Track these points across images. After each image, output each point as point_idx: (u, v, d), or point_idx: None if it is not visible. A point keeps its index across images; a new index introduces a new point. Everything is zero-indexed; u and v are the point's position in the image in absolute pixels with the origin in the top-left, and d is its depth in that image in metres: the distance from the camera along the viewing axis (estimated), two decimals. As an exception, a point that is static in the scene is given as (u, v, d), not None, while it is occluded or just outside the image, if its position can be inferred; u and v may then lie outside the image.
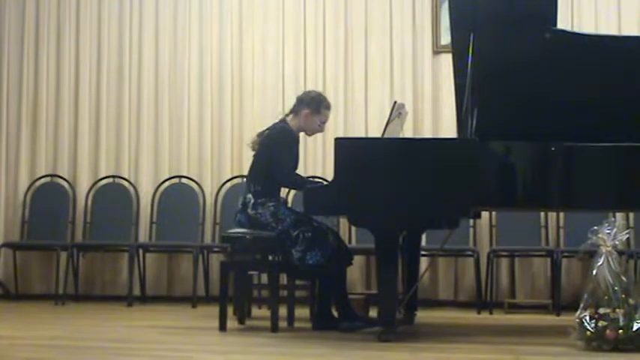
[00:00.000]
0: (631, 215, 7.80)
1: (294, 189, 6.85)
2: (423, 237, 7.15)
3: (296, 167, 6.47)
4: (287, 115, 6.48)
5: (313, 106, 6.39)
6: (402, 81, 8.40)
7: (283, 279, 6.64)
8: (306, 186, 6.08)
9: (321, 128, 6.49)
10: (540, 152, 5.56)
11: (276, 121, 6.51)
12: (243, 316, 6.55)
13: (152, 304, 8.17)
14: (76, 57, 8.87)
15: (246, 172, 6.79)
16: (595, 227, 5.26)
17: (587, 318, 5.14)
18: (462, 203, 5.61)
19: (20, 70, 8.90)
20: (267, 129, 6.46)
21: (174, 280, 8.60)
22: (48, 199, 8.68)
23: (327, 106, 6.45)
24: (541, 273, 8.11)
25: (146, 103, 8.75)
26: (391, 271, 5.57)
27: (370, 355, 5.07)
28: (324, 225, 6.30)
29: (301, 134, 6.55)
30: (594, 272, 5.22)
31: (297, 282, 6.72)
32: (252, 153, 6.47)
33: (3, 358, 4.87)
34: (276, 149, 6.26)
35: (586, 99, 5.72)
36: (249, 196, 6.25)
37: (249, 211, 6.22)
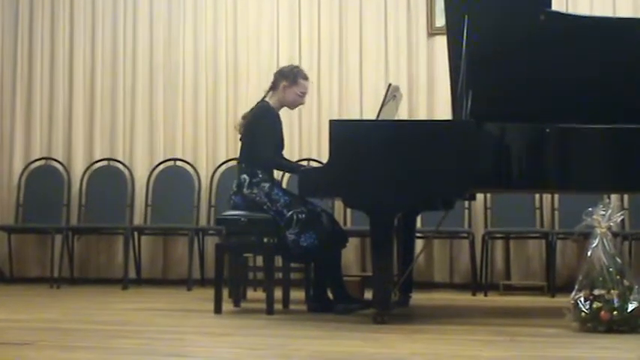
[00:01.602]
0: (626, 197, 7.80)
1: (280, 170, 6.87)
2: (418, 219, 7.15)
3: (282, 146, 6.49)
4: (267, 93, 6.49)
5: (290, 77, 6.41)
6: (396, 63, 8.39)
7: (278, 261, 6.65)
8: (298, 168, 6.12)
9: (301, 99, 6.50)
10: (535, 134, 5.56)
11: (258, 100, 6.52)
12: (238, 298, 6.56)
13: (147, 287, 8.19)
14: (70, 39, 8.85)
15: (241, 155, 6.79)
16: (590, 209, 5.27)
17: (582, 299, 5.15)
18: (457, 185, 5.62)
19: (14, 52, 8.89)
20: (250, 110, 6.47)
21: (170, 262, 8.60)
22: (43, 182, 8.68)
23: (304, 77, 6.47)
24: (536, 255, 8.12)
25: (141, 85, 8.74)
26: (386, 253, 5.57)
27: (365, 337, 5.08)
28: (318, 207, 6.30)
29: (288, 116, 6.57)
30: (589, 254, 5.23)
31: (293, 264, 6.72)
32: (239, 136, 6.50)
33: (-2, 341, 4.89)
34: (257, 131, 6.28)
35: (581, 80, 5.72)
36: (244, 176, 6.25)
37: (245, 190, 6.22)
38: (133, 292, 7.79)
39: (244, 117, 6.48)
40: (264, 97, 6.48)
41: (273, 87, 6.46)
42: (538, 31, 5.68)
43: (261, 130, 6.28)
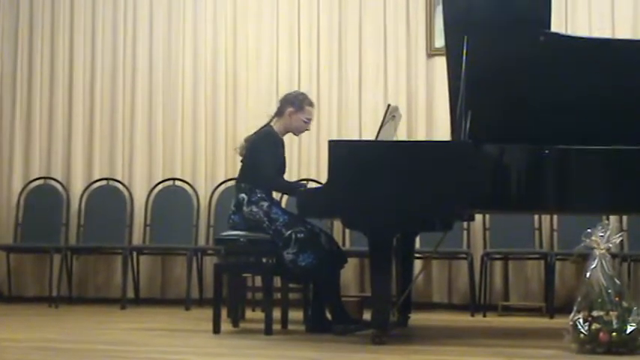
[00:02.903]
0: (625, 218, 7.80)
1: (280, 191, 6.87)
2: (417, 239, 7.14)
3: (283, 171, 6.50)
4: (272, 118, 6.51)
5: (296, 104, 6.44)
6: (396, 83, 8.41)
7: (277, 281, 6.64)
8: (298, 190, 6.12)
9: (307, 126, 6.53)
10: (534, 155, 5.56)
11: (263, 125, 6.53)
12: (236, 318, 6.55)
13: (146, 307, 8.16)
14: (69, 59, 8.87)
15: (240, 175, 6.80)
16: (589, 230, 5.26)
17: (581, 321, 5.14)
18: (456, 206, 5.62)
19: (14, 71, 8.90)
20: (254, 134, 6.48)
21: (168, 282, 8.59)
22: (42, 201, 8.67)
23: (310, 103, 6.50)
24: (535, 276, 8.11)
25: (140, 105, 8.75)
26: (385, 273, 5.57)
27: (364, 358, 5.07)
28: (317, 227, 6.30)
29: (287, 136, 6.59)
30: (588, 275, 5.22)
31: (291, 284, 6.72)
32: (240, 158, 6.51)
33: (-4, 360, 4.88)
34: (260, 154, 6.29)
35: (580, 102, 5.73)
36: (243, 195, 6.26)
37: (245, 208, 6.22)
38: (132, 312, 7.78)
39: (247, 140, 6.48)
40: (269, 122, 6.49)
41: (279, 113, 6.47)
42: (537, 53, 5.70)
43: (263, 152, 6.29)
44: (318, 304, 6.31)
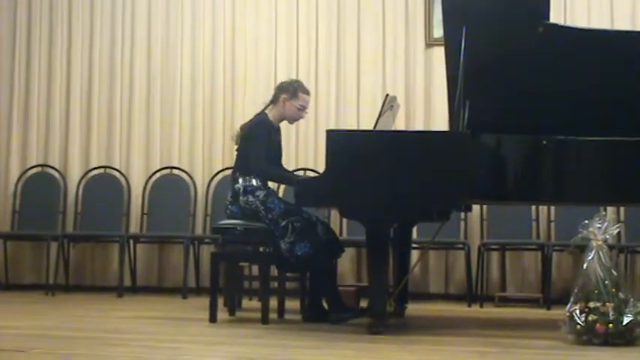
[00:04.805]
0: (622, 209, 7.80)
1: (272, 180, 6.84)
2: (414, 229, 7.15)
3: (280, 157, 6.50)
4: (267, 106, 6.49)
5: (290, 90, 6.41)
6: (394, 73, 8.40)
7: (274, 270, 6.64)
8: (291, 179, 6.11)
9: (301, 114, 6.50)
10: (532, 146, 5.56)
11: (257, 112, 6.52)
12: (233, 307, 6.55)
13: (143, 295, 8.18)
14: (68, 47, 8.86)
15: (238, 164, 6.79)
16: (586, 221, 5.27)
17: (578, 312, 5.14)
18: (453, 196, 5.61)
19: (12, 59, 8.89)
20: (248, 122, 6.47)
21: (165, 271, 8.60)
22: (39, 189, 8.67)
23: (305, 91, 6.47)
24: (532, 266, 8.12)
25: (138, 93, 8.74)
26: (382, 263, 5.57)
27: (361, 347, 5.07)
28: (314, 216, 6.30)
29: (285, 126, 6.59)
30: (585, 266, 5.23)
31: (288, 274, 6.72)
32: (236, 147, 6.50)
33: (-7, 347, 4.88)
34: (253, 142, 6.28)
35: (578, 92, 5.73)
36: (239, 185, 6.25)
37: (241, 198, 6.21)
38: (129, 300, 7.78)
39: (242, 128, 6.48)
40: (264, 109, 6.47)
41: (274, 100, 6.45)
42: (536, 43, 5.69)
43: (255, 140, 6.28)
44: (314, 294, 6.32)
